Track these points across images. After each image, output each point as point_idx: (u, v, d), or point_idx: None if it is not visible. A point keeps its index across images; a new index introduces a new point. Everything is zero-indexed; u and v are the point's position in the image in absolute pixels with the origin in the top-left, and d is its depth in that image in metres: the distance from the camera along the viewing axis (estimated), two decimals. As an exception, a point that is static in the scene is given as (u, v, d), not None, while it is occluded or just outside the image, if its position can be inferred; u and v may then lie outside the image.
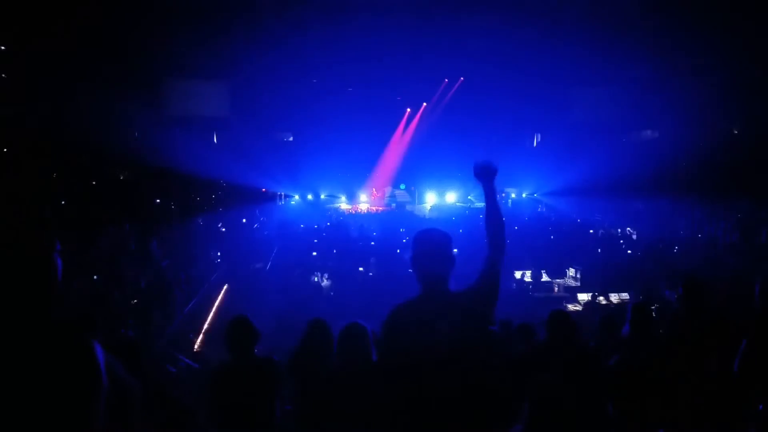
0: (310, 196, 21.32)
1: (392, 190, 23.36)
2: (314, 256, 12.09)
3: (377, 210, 20.94)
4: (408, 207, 21.74)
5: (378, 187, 23.09)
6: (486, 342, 2.35)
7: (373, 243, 13.21)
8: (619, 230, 15.20)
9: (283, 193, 20.73)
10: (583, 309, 9.49)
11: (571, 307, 9.59)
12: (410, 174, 23.72)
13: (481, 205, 22.65)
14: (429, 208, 22.00)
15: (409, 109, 22.97)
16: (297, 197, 21.13)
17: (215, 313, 9.27)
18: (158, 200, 15.30)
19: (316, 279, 10.71)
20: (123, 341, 3.58)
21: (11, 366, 1.05)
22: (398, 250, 12.15)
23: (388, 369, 2.50)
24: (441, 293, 2.37)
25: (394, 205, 22.21)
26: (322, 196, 21.51)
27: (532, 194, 21.77)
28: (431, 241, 2.43)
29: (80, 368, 1.10)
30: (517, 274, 10.91)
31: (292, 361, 3.81)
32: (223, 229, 15.02)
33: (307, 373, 3.58)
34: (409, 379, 2.31)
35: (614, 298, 9.76)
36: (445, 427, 2.27)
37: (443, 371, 2.26)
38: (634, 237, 14.42)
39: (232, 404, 3.37)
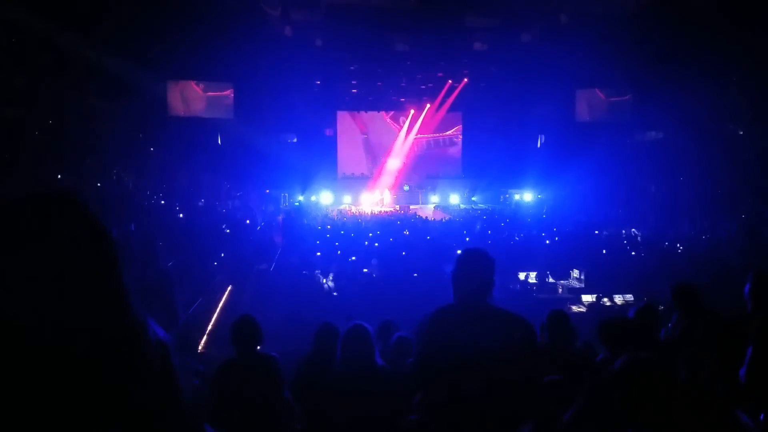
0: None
1: (396, 191, 23.34)
2: (318, 256, 12.07)
3: (381, 213, 20.87)
4: (412, 207, 21.70)
5: (381, 188, 23.08)
6: (520, 347, 2.38)
7: (377, 244, 13.17)
8: (624, 231, 15.13)
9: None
10: (587, 310, 9.46)
11: (575, 308, 9.56)
12: (413, 174, 23.71)
13: (484, 206, 22.64)
14: (433, 208, 21.96)
15: (413, 111, 22.96)
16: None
17: (219, 314, 9.27)
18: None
19: (324, 280, 10.68)
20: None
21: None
22: (403, 252, 12.10)
23: (424, 366, 2.53)
24: (477, 304, 2.42)
25: (398, 206, 22.16)
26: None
27: (536, 195, 21.71)
28: (474, 263, 2.46)
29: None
30: (521, 276, 10.87)
31: (303, 366, 3.81)
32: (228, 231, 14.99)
33: (313, 374, 3.59)
34: (445, 376, 2.37)
35: (618, 299, 9.73)
36: (475, 422, 2.32)
37: (477, 371, 2.30)
38: (639, 238, 14.35)
39: (236, 400, 3.39)
